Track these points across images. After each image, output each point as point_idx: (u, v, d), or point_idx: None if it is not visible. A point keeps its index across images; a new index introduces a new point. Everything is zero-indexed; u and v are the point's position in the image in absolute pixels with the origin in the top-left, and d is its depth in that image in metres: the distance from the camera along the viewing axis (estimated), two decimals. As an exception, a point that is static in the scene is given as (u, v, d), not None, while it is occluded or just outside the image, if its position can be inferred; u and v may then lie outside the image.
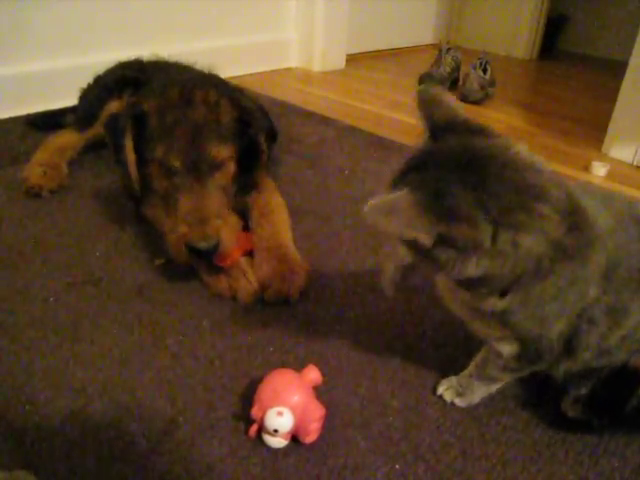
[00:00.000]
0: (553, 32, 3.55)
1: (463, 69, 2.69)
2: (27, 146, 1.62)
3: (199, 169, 1.08)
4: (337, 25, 2.79)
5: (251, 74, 2.61)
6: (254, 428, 0.78)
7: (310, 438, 0.78)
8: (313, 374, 0.82)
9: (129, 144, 1.13)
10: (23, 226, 1.28)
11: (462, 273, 0.63)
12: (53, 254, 1.18)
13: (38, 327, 0.98)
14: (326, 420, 0.81)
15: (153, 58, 1.66)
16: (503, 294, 0.68)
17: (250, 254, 1.16)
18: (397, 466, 0.77)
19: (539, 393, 0.90)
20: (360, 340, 1.00)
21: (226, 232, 1.06)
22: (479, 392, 0.87)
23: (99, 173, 1.56)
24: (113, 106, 1.54)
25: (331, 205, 1.47)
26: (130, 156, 1.13)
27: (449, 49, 2.70)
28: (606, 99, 2.18)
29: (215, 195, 1.10)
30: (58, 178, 1.45)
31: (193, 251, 1.03)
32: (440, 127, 0.68)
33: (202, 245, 1.02)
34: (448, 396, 0.89)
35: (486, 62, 2.58)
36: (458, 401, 0.88)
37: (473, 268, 0.63)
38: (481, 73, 2.53)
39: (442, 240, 0.60)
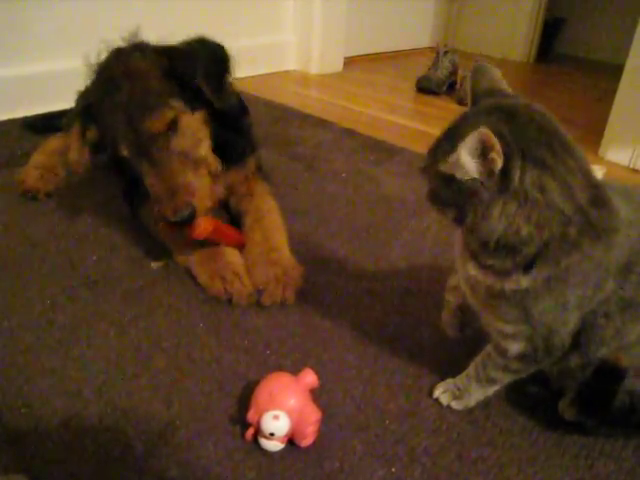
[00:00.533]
0: (550, 35, 3.56)
1: (460, 72, 2.69)
2: (24, 148, 1.62)
3: (144, 147, 1.06)
4: (334, 28, 2.79)
5: (249, 77, 2.61)
6: (250, 431, 0.78)
7: (306, 441, 0.78)
8: (309, 377, 0.82)
9: (75, 135, 1.14)
10: (20, 229, 1.28)
11: (488, 220, 0.64)
12: (50, 257, 1.18)
13: (34, 330, 0.98)
14: (322, 423, 0.81)
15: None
16: (527, 269, 0.68)
17: (240, 249, 1.18)
18: (393, 469, 0.77)
19: (535, 396, 0.90)
20: (356, 343, 1.00)
21: (199, 197, 1.07)
22: (476, 395, 0.87)
23: (96, 176, 1.55)
24: None
25: (328, 208, 1.47)
26: (74, 143, 1.15)
27: (446, 52, 2.71)
28: (603, 102, 2.18)
29: (174, 162, 1.07)
30: (55, 181, 1.45)
31: (172, 225, 1.06)
32: (481, 94, 0.72)
33: (177, 218, 1.03)
34: (444, 399, 0.89)
35: (483, 65, 2.59)
36: (454, 404, 0.88)
37: (499, 213, 0.64)
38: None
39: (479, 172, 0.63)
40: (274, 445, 0.77)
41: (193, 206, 1.04)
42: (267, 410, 0.76)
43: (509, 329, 0.75)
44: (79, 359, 0.93)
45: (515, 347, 0.77)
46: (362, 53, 3.24)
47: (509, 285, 0.70)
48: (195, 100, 1.11)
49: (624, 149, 1.89)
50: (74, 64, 1.98)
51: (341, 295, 1.13)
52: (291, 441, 0.79)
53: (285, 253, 1.17)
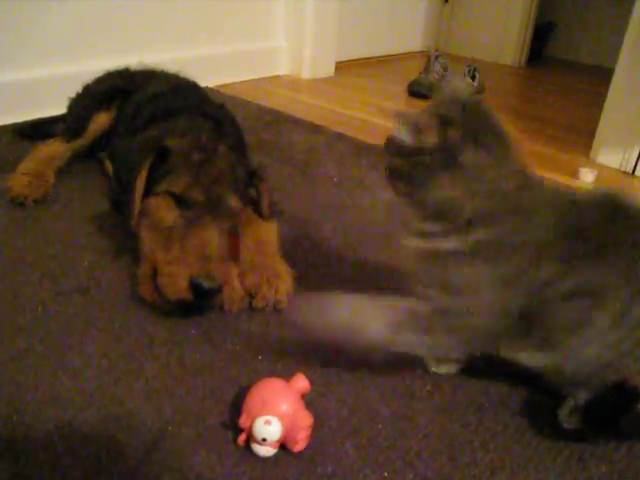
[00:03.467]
0: (541, 39, 3.58)
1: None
2: (15, 155, 1.61)
3: (218, 209, 1.07)
4: (326, 33, 2.80)
5: (240, 82, 2.62)
6: (243, 437, 0.78)
7: (299, 447, 0.78)
8: (301, 383, 0.82)
9: (143, 174, 1.10)
10: (10, 235, 1.27)
11: (437, 190, 0.75)
12: (41, 263, 1.18)
13: (25, 337, 0.98)
14: (315, 428, 0.80)
15: (140, 67, 1.67)
16: (459, 233, 0.76)
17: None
18: (385, 474, 0.77)
19: (528, 401, 0.90)
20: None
21: (229, 279, 1.05)
22: None
23: (87, 183, 1.55)
24: (102, 118, 1.55)
25: (320, 212, 1.47)
26: (139, 187, 1.10)
27: (437, 56, 2.72)
28: (593, 105, 2.19)
29: (226, 240, 1.07)
30: (43, 188, 1.44)
31: (196, 289, 0.98)
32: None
33: (208, 284, 0.98)
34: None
35: (474, 69, 2.60)
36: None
37: (446, 183, 0.75)
38: (469, 80, 2.55)
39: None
40: (266, 450, 0.77)
41: (223, 281, 1.01)
42: (259, 415, 0.76)
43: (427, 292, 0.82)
44: (70, 366, 0.92)
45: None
46: (354, 58, 3.25)
47: (442, 245, 0.78)
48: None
49: (615, 152, 1.90)
50: (65, 71, 2.00)
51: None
52: (283, 446, 0.79)
53: (278, 258, 1.17)
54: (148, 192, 1.11)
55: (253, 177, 1.22)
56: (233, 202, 1.10)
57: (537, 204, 0.77)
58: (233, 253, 1.13)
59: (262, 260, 1.14)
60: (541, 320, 0.78)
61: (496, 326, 0.79)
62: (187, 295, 0.98)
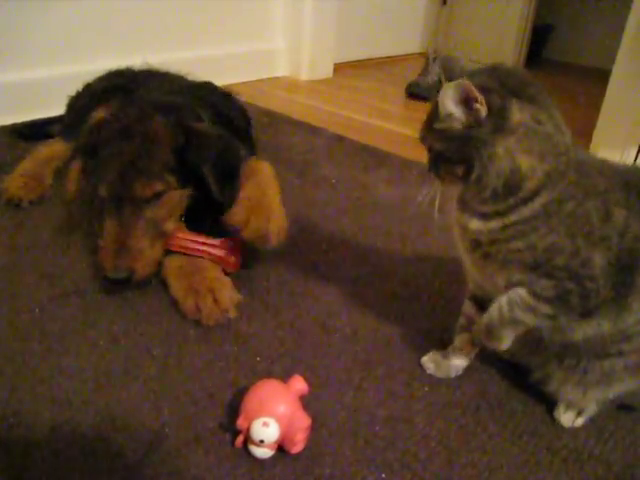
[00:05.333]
0: (539, 41, 3.58)
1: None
2: (14, 156, 1.61)
3: (123, 202, 1.08)
4: (325, 34, 2.80)
5: (239, 83, 2.62)
6: (240, 439, 0.78)
7: (296, 448, 0.78)
8: (299, 384, 0.82)
9: (76, 167, 1.17)
10: (8, 236, 1.27)
11: (495, 161, 0.69)
12: (38, 265, 1.18)
13: (23, 338, 0.98)
14: (312, 430, 0.81)
15: (144, 67, 1.66)
16: (528, 201, 0.71)
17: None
18: (383, 475, 0.77)
19: (525, 402, 0.91)
20: (346, 350, 1.01)
21: (142, 264, 1.08)
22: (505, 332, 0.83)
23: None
24: (97, 112, 1.54)
25: (318, 214, 1.47)
26: (73, 170, 1.19)
27: (436, 58, 2.72)
28: (591, 107, 2.20)
29: (138, 228, 1.08)
30: (39, 189, 1.44)
31: (110, 280, 1.07)
32: (457, 74, 0.75)
33: (112, 275, 1.06)
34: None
35: (472, 71, 2.60)
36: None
37: (503, 150, 0.69)
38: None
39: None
40: (264, 452, 0.77)
41: (133, 271, 1.07)
42: (257, 417, 0.76)
43: (522, 278, 0.76)
44: (68, 367, 0.92)
45: (543, 284, 0.75)
46: (352, 59, 3.25)
47: (509, 219, 0.73)
48: (188, 176, 1.13)
49: (613, 153, 1.90)
50: (63, 71, 2.00)
51: (331, 301, 1.13)
52: (281, 448, 0.79)
53: (274, 201, 1.16)
54: None
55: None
56: (139, 190, 1.07)
57: (593, 161, 0.75)
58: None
59: (256, 200, 1.13)
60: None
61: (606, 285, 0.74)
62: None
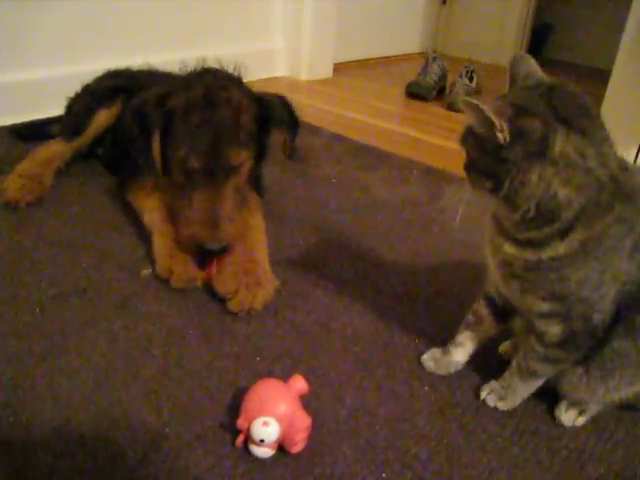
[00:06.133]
0: (538, 40, 3.59)
1: (450, 77, 2.71)
2: (12, 157, 1.60)
3: (217, 173, 1.12)
4: (324, 34, 2.80)
5: (239, 83, 2.62)
6: (241, 438, 0.78)
7: (297, 448, 0.78)
8: (299, 384, 0.82)
9: (157, 139, 1.16)
10: (8, 236, 1.27)
11: (526, 186, 0.67)
12: (39, 264, 1.18)
13: (23, 338, 0.98)
14: (313, 430, 0.81)
15: (143, 67, 1.66)
16: (564, 235, 0.70)
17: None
18: (384, 475, 0.77)
19: (525, 401, 0.90)
20: (346, 349, 1.01)
21: (236, 233, 1.13)
22: (520, 391, 0.87)
23: (86, 183, 1.55)
24: (102, 115, 1.54)
25: (318, 214, 1.47)
26: (155, 148, 1.16)
27: (435, 57, 2.73)
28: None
29: (229, 198, 1.14)
30: (38, 190, 1.43)
31: (202, 249, 1.11)
32: (520, 78, 0.76)
33: (213, 246, 1.09)
34: (491, 401, 0.90)
35: (472, 70, 2.61)
36: (501, 405, 0.89)
37: (537, 178, 0.67)
38: (467, 81, 2.55)
39: (516, 136, 0.66)
40: (264, 452, 0.77)
41: (229, 241, 1.11)
42: (257, 417, 0.76)
43: (545, 307, 0.76)
44: (68, 367, 0.92)
45: (552, 330, 0.77)
46: (352, 59, 3.25)
47: (546, 254, 0.72)
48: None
49: (612, 153, 1.90)
50: (62, 72, 2.00)
51: (331, 301, 1.13)
52: (281, 448, 0.79)
53: (262, 265, 1.15)
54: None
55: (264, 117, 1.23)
56: (234, 158, 1.12)
57: (637, 184, 0.71)
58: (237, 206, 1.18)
59: (245, 265, 1.12)
60: None
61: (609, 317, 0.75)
62: (195, 253, 1.14)
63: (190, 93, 1.14)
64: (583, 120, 0.67)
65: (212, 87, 1.15)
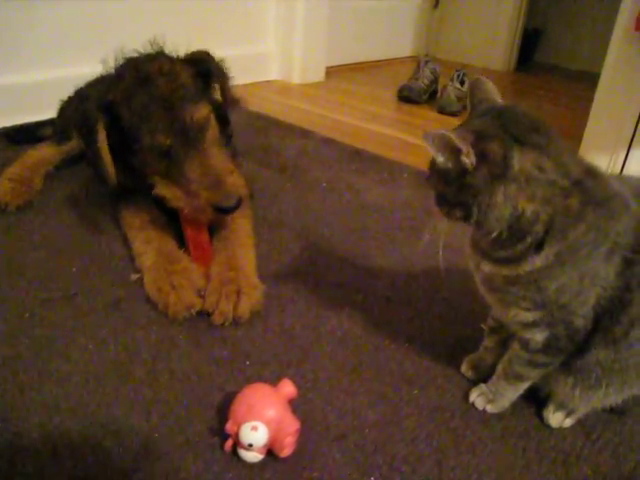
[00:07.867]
0: (529, 45, 3.60)
1: (441, 81, 2.72)
2: (2, 160, 1.60)
3: (191, 137, 1.10)
4: (316, 38, 2.81)
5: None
6: (229, 443, 0.78)
7: (285, 452, 0.78)
8: (288, 388, 0.82)
9: (102, 135, 1.12)
10: (-2, 241, 1.27)
11: (494, 209, 0.69)
12: (28, 269, 1.17)
13: (12, 343, 0.97)
14: (302, 433, 0.81)
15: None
16: (539, 249, 0.71)
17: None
18: (372, 478, 0.78)
19: (513, 404, 0.91)
20: (336, 353, 1.01)
21: (242, 185, 1.13)
22: (508, 394, 0.88)
23: (75, 188, 1.55)
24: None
25: (309, 218, 1.47)
26: (103, 147, 1.13)
27: (427, 61, 2.74)
28: (581, 110, 2.21)
29: (216, 153, 1.13)
30: (27, 194, 1.43)
31: (220, 210, 1.11)
32: (476, 103, 0.77)
33: (228, 203, 1.10)
34: (480, 403, 0.90)
35: (463, 74, 2.62)
36: (490, 407, 0.90)
37: (502, 198, 0.68)
38: (458, 85, 2.56)
39: (480, 159, 0.67)
40: (253, 456, 0.77)
41: (239, 194, 1.11)
42: (245, 421, 0.76)
43: (529, 317, 0.77)
44: (57, 372, 0.92)
45: (538, 337, 0.78)
46: (344, 63, 3.26)
47: (523, 269, 0.73)
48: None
49: (602, 156, 1.91)
50: (54, 75, 2.00)
51: (320, 305, 1.13)
52: (270, 452, 0.79)
53: (244, 272, 1.13)
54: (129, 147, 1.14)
55: (209, 78, 1.24)
56: (196, 114, 1.11)
57: (609, 189, 0.71)
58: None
59: (225, 274, 1.11)
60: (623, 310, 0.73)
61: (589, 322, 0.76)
62: (213, 216, 1.13)
63: (124, 81, 1.13)
64: (535, 136, 0.69)
65: (141, 66, 1.14)
